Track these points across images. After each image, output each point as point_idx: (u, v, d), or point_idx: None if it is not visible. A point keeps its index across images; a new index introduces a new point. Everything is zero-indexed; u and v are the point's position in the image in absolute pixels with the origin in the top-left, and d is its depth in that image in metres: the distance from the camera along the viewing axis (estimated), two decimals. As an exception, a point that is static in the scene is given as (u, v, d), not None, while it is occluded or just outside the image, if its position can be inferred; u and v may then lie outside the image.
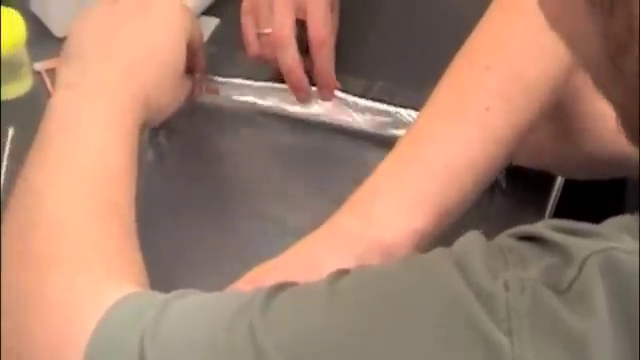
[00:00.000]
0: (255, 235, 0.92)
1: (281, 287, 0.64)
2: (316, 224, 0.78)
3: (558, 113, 0.85)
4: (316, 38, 0.97)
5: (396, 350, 0.57)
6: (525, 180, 0.91)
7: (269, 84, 1.00)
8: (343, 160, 0.98)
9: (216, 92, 1.00)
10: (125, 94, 0.83)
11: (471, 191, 0.79)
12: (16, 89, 1.02)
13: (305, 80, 0.98)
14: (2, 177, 0.94)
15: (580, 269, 0.54)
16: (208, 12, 1.10)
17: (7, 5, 1.01)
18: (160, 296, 0.68)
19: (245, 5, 1.00)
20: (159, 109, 0.88)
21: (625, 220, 0.57)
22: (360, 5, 1.09)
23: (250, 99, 1.00)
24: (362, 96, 0.99)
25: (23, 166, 0.80)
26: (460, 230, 0.78)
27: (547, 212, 0.93)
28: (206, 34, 1.06)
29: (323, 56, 0.98)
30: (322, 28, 0.97)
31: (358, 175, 0.80)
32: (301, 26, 0.98)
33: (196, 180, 0.97)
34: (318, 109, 1.00)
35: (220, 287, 0.75)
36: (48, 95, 1.02)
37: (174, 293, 0.68)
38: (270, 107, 1.00)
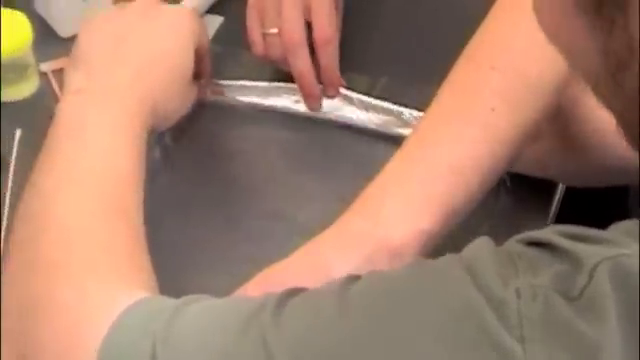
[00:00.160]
0: (264, 234, 0.91)
1: (292, 293, 0.64)
2: (325, 221, 0.78)
3: (560, 119, 0.85)
4: (321, 37, 0.97)
5: (408, 355, 0.57)
6: (529, 179, 0.91)
7: (274, 84, 1.00)
8: (350, 156, 0.98)
9: (221, 94, 1.01)
10: (133, 98, 0.83)
11: (477, 191, 0.79)
12: (22, 90, 1.03)
13: (317, 87, 0.98)
14: (10, 179, 0.94)
15: (590, 276, 0.55)
16: (212, 10, 1.10)
17: (12, 6, 1.01)
18: (171, 301, 0.68)
19: (251, 4, 0.99)
20: (166, 114, 0.88)
21: (630, 225, 0.58)
22: (364, 2, 1.09)
23: (255, 99, 1.01)
24: (366, 93, 0.99)
25: (31, 170, 0.80)
26: (465, 227, 0.79)
27: (551, 211, 0.93)
28: (210, 32, 1.06)
29: (328, 55, 0.98)
30: (327, 27, 0.97)
31: (365, 171, 0.80)
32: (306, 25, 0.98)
33: (203, 180, 0.97)
34: (323, 106, 1.00)
35: (229, 287, 0.75)
36: (54, 96, 1.02)
37: (185, 298, 0.69)
38: (275, 106, 1.01)
